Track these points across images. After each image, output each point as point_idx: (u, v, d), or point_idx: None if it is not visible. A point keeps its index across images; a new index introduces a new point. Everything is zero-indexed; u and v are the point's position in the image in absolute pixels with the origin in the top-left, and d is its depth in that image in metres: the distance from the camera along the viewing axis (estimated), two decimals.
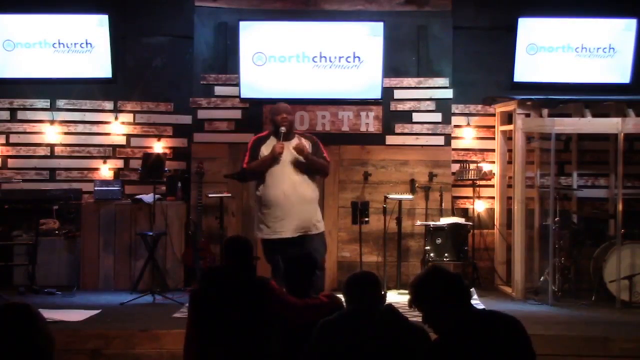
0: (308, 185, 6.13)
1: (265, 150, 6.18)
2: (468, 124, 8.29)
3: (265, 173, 6.10)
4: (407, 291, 7.77)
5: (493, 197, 8.18)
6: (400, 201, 7.72)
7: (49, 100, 8.24)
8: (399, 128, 8.06)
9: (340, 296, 4.07)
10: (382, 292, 3.44)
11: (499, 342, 2.84)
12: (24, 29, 8.13)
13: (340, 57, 7.91)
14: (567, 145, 8.23)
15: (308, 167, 6.12)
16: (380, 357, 3.09)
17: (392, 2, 8.11)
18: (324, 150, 6.36)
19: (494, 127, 8.18)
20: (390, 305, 3.32)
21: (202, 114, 8.05)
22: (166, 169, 7.43)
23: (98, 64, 8.11)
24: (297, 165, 6.11)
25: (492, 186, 8.18)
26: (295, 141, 6.20)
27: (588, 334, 5.72)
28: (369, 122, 8.04)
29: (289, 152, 6.13)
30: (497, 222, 8.07)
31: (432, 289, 2.89)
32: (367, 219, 7.61)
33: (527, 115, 7.44)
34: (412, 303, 2.96)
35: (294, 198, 6.03)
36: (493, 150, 8.20)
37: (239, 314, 3.85)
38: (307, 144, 6.20)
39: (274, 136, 6.24)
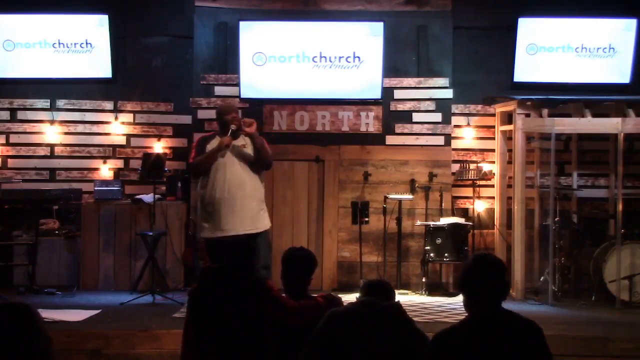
0: (252, 182, 5.98)
1: (210, 148, 6.05)
2: (468, 124, 8.29)
3: (210, 170, 5.96)
4: (406, 291, 7.82)
5: (493, 197, 8.18)
6: (400, 201, 7.72)
7: (49, 100, 8.24)
8: (399, 128, 8.07)
9: (340, 296, 4.08)
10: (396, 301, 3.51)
11: (515, 345, 2.91)
12: (24, 29, 8.14)
13: (340, 57, 7.91)
14: (567, 145, 8.23)
15: (254, 147, 5.98)
16: (380, 351, 3.12)
17: (392, 2, 8.11)
18: (266, 144, 6.11)
19: (494, 127, 8.18)
20: (398, 303, 3.33)
21: (202, 114, 8.05)
22: (166, 169, 7.42)
23: (98, 64, 8.11)
24: (242, 163, 5.96)
25: (492, 186, 8.18)
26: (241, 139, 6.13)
27: (588, 334, 5.72)
28: (369, 122, 8.04)
29: (234, 151, 5.98)
30: (497, 222, 8.06)
31: (483, 273, 3.02)
32: (367, 219, 7.63)
33: (527, 115, 7.45)
34: (461, 282, 3.09)
35: (238, 195, 5.86)
36: (493, 150, 8.20)
37: (236, 313, 3.85)
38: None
39: (219, 136, 6.07)
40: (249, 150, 6.03)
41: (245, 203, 5.90)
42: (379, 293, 3.44)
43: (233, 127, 5.98)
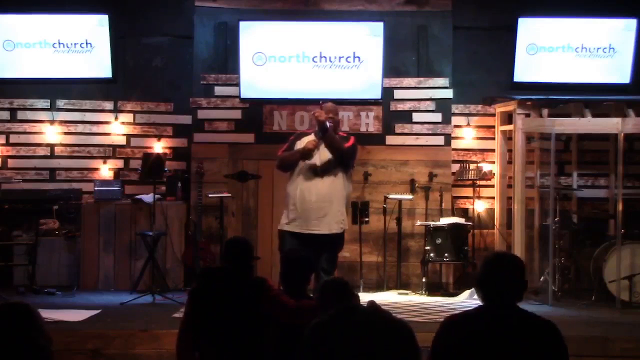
0: (332, 183, 5.88)
1: (299, 145, 6.06)
2: (468, 124, 8.29)
3: (295, 167, 5.94)
4: (406, 291, 7.81)
5: (493, 197, 8.18)
6: (400, 201, 7.72)
7: (49, 100, 8.23)
8: (399, 128, 8.07)
9: None
10: (356, 294, 3.49)
11: (527, 342, 2.91)
12: (24, 29, 8.13)
13: (340, 57, 7.91)
14: (567, 145, 8.24)
15: (326, 145, 5.84)
16: (370, 354, 3.08)
17: (392, 2, 8.11)
18: (349, 143, 5.99)
19: (494, 127, 8.18)
20: (373, 303, 3.27)
21: (202, 114, 8.05)
22: (166, 169, 7.42)
23: (98, 64, 8.11)
24: (325, 164, 5.88)
25: (492, 186, 8.18)
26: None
27: (588, 334, 5.71)
28: (369, 122, 8.04)
29: (320, 152, 5.89)
30: (497, 222, 8.06)
31: (502, 271, 3.07)
32: (367, 219, 7.63)
33: (527, 115, 7.45)
34: (478, 278, 3.09)
35: (309, 194, 5.82)
36: (493, 150, 8.20)
37: (235, 313, 3.85)
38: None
39: (315, 135, 5.99)
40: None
41: (314, 204, 5.82)
42: (336, 293, 3.37)
43: (326, 125, 5.81)
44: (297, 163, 5.92)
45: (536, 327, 2.96)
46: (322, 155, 5.88)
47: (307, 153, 5.85)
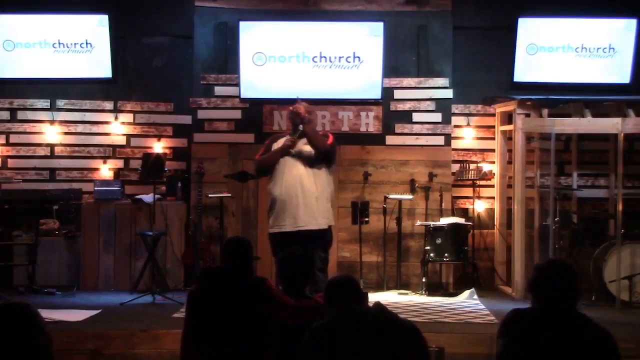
0: (315, 179, 5.92)
1: (276, 146, 6.08)
2: (468, 124, 8.29)
3: (275, 167, 5.97)
4: (406, 291, 7.80)
5: (493, 197, 8.19)
6: (400, 201, 7.72)
7: (49, 100, 8.24)
8: (399, 128, 8.07)
9: None
10: (364, 292, 3.44)
11: (584, 346, 3.03)
12: (24, 29, 8.14)
13: (340, 57, 7.91)
14: (567, 145, 8.24)
15: (310, 142, 5.89)
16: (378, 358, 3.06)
17: (392, 2, 8.11)
18: (329, 140, 6.08)
19: (494, 127, 8.18)
20: (380, 304, 3.25)
21: (202, 114, 8.06)
22: (166, 169, 7.42)
23: (98, 64, 8.11)
24: (306, 161, 5.91)
25: (492, 186, 8.18)
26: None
27: None
28: (369, 122, 8.04)
29: (298, 149, 5.94)
30: (497, 222, 8.07)
31: (555, 280, 3.12)
32: (367, 219, 7.63)
33: (527, 115, 7.45)
34: (531, 285, 3.16)
35: (294, 192, 5.82)
36: (493, 150, 8.20)
37: (235, 313, 3.85)
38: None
39: (290, 135, 6.06)
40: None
41: (299, 200, 5.83)
42: (344, 292, 3.32)
43: (301, 127, 5.88)
44: (277, 163, 5.95)
45: (594, 333, 3.02)
46: (303, 152, 5.92)
47: (286, 151, 5.90)
